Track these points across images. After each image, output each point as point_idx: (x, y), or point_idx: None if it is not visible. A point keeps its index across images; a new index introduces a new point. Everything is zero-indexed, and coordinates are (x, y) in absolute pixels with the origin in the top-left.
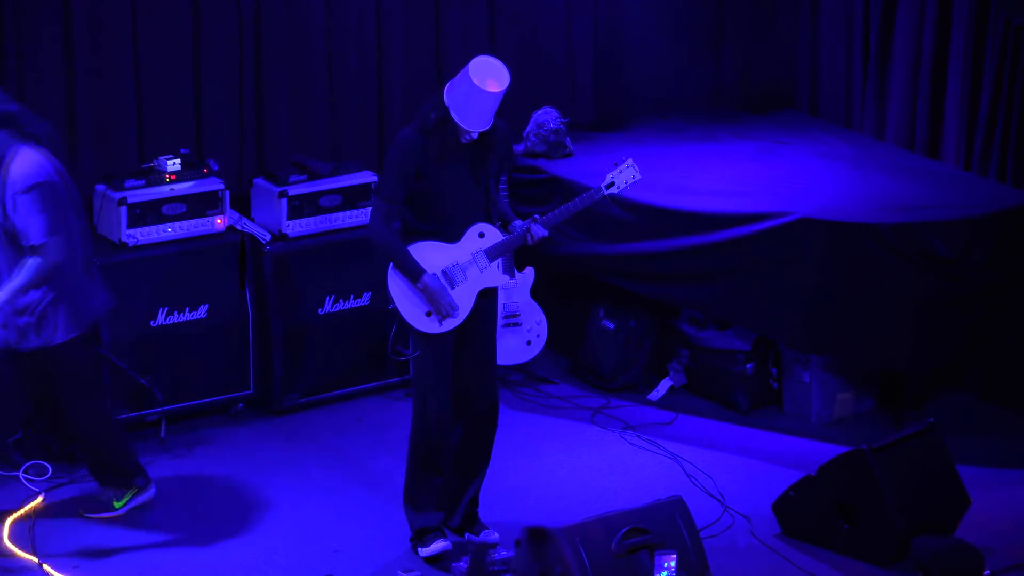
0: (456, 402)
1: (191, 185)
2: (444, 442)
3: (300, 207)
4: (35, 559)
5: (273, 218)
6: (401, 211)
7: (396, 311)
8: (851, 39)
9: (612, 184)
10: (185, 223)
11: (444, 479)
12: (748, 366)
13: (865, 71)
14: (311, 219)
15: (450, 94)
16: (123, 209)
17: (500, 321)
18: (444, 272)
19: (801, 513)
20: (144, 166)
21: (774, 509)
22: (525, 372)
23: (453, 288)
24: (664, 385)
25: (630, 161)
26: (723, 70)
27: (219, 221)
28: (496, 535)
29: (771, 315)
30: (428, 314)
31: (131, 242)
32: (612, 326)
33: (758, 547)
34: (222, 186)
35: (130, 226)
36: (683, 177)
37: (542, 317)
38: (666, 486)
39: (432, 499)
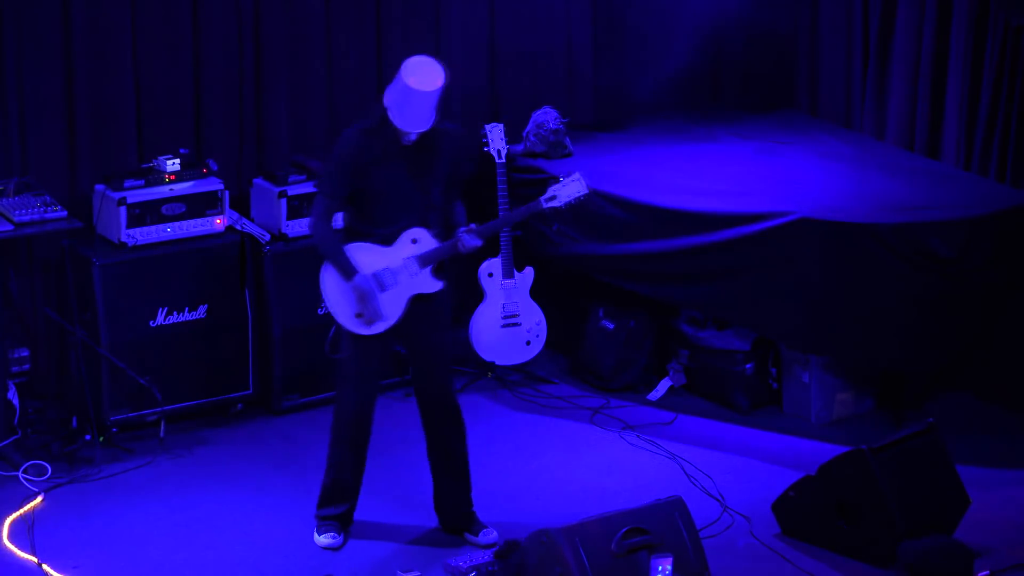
0: (422, 409)
1: (190, 185)
2: (360, 440)
3: (299, 207)
4: (35, 559)
5: (273, 218)
6: (345, 210)
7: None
8: (851, 39)
9: (554, 198)
10: (184, 223)
11: (434, 482)
12: (748, 366)
13: (865, 71)
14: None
15: (388, 96)
16: (122, 209)
17: (499, 321)
18: (375, 275)
19: (801, 513)
20: (143, 166)
21: (774, 509)
22: (525, 372)
23: (383, 291)
24: (664, 385)
25: (577, 175)
26: (723, 70)
27: (218, 221)
28: (495, 535)
29: (771, 315)
30: (358, 315)
31: (130, 242)
32: (612, 326)
33: (758, 547)
34: (221, 186)
35: (129, 226)
36: (683, 177)
37: (541, 317)
38: (666, 486)
39: (341, 490)
